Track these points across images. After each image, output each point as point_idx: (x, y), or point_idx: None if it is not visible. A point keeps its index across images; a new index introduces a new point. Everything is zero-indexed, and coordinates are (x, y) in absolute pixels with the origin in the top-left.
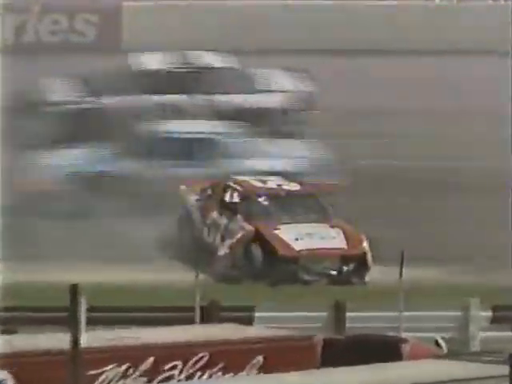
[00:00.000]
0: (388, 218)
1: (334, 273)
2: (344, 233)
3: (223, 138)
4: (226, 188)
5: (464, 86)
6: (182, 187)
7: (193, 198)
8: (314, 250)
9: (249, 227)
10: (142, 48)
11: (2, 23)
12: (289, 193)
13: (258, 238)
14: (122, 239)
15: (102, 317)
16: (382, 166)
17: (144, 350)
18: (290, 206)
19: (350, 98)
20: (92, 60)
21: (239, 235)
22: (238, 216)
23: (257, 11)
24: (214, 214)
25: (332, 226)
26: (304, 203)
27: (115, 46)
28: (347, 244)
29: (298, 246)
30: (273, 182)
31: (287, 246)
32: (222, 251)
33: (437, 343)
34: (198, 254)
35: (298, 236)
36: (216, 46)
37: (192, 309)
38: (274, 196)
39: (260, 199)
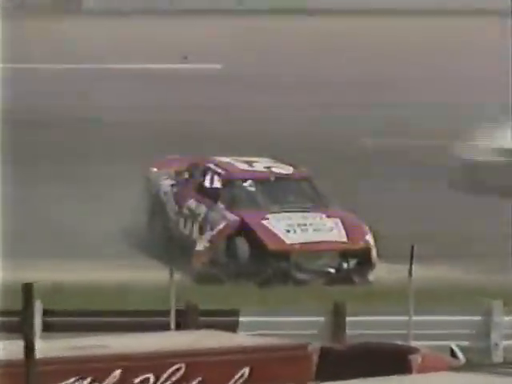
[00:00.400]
0: (394, 207)
1: (333, 270)
2: (343, 223)
3: None
4: (205, 171)
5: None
6: (153, 169)
7: (166, 183)
8: (308, 243)
9: (232, 217)
10: None
11: None
12: (279, 177)
13: (244, 229)
14: (80, 231)
15: (62, 322)
16: (389, 144)
17: (111, 361)
18: (280, 192)
19: None
20: None
21: (221, 226)
22: (220, 204)
23: None
24: (192, 202)
25: (330, 216)
26: (297, 189)
27: None
28: (347, 236)
29: (289, 238)
30: (260, 164)
31: (277, 239)
32: (201, 245)
33: (452, 353)
34: (172, 248)
35: (290, 227)
36: None
37: (166, 313)
38: (262, 180)
39: (245, 184)
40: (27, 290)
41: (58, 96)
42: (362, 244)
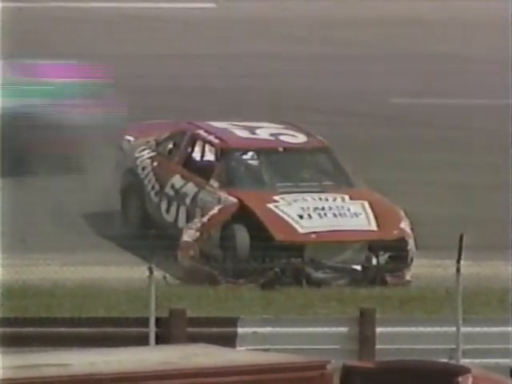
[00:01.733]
0: (432, 185)
1: (359, 267)
2: (372, 207)
3: None
4: (194, 139)
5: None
6: (127, 137)
7: (144, 155)
8: (327, 232)
9: (230, 199)
10: None
11: None
12: (290, 147)
13: (244, 215)
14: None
15: (12, 333)
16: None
17: None
18: (291, 166)
19: None
20: None
21: (215, 211)
22: (213, 182)
23: None
24: (177, 179)
25: (354, 198)
26: (312, 163)
27: None
28: (378, 224)
29: (303, 227)
30: (265, 131)
31: (287, 227)
32: (189, 235)
33: None
34: (152, 239)
35: (304, 212)
36: None
37: (144, 322)
38: (268, 152)
39: (246, 156)
40: None
41: None
42: (395, 233)
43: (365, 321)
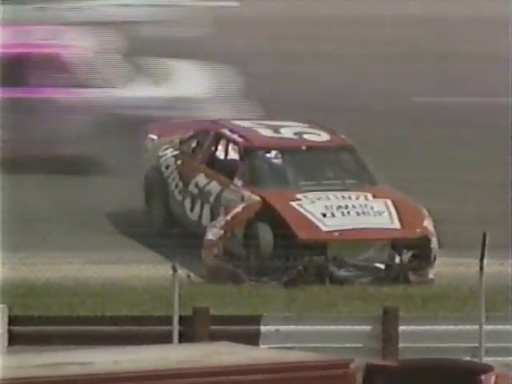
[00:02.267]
0: (456, 184)
1: (382, 266)
2: (396, 206)
3: None
4: (218, 138)
5: None
6: (151, 136)
7: (167, 153)
8: (350, 231)
9: (253, 197)
10: None
11: None
12: (313, 146)
13: (267, 213)
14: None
15: (33, 331)
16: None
17: (95, 383)
18: (314, 165)
19: None
20: None
21: (238, 209)
22: (237, 180)
23: None
24: (201, 178)
25: (378, 196)
26: (336, 161)
27: None
28: (401, 222)
29: (326, 225)
30: (289, 130)
31: (311, 225)
32: (213, 234)
33: None
34: (175, 237)
35: (328, 210)
36: None
37: (168, 320)
38: (292, 150)
39: (270, 155)
40: None
41: None
42: (418, 232)
43: (388, 319)
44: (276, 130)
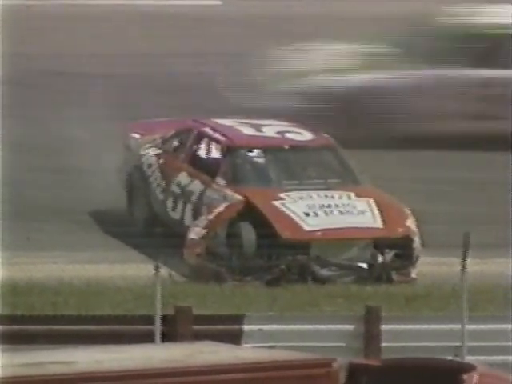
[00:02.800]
0: (436, 184)
1: (364, 265)
2: (378, 205)
3: None
4: (200, 137)
5: None
6: (133, 135)
7: (149, 152)
8: (333, 230)
9: (236, 196)
10: None
11: None
12: (296, 145)
13: (250, 212)
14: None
15: (17, 331)
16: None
17: (79, 382)
18: (297, 164)
19: None
20: None
21: (221, 208)
22: (219, 179)
23: None
24: (183, 177)
25: (361, 195)
26: (319, 160)
27: None
28: (384, 222)
29: (309, 224)
30: (271, 128)
31: (293, 224)
32: (195, 233)
33: None
34: (157, 236)
35: (310, 210)
36: None
37: (150, 319)
38: (274, 149)
39: (252, 154)
40: None
41: None
42: (401, 231)
43: (370, 318)
44: (258, 128)
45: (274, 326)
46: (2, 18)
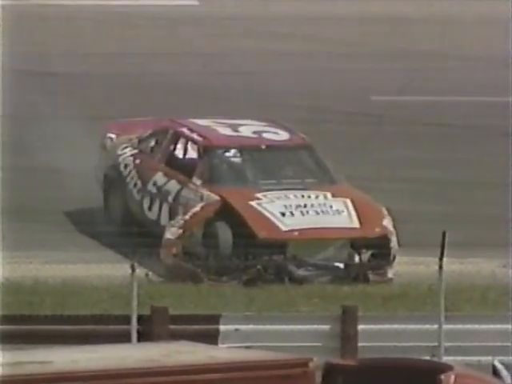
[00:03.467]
0: (415, 181)
1: (341, 265)
2: (355, 204)
3: None
4: (176, 137)
5: None
6: (110, 135)
7: (126, 152)
8: (309, 230)
9: (212, 196)
10: None
11: None
12: (272, 144)
13: (226, 212)
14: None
15: None
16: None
17: (54, 382)
18: (274, 164)
19: None
20: None
21: (197, 208)
22: (196, 179)
23: None
24: (159, 177)
25: (337, 195)
26: (295, 160)
27: None
28: (360, 221)
29: (285, 224)
30: (248, 128)
31: (270, 224)
32: (172, 233)
33: (494, 370)
34: (134, 236)
35: (287, 210)
36: None
37: (126, 319)
38: (251, 149)
39: (229, 154)
40: None
41: None
42: (378, 231)
43: (347, 318)
44: (235, 128)
45: (251, 326)
46: None
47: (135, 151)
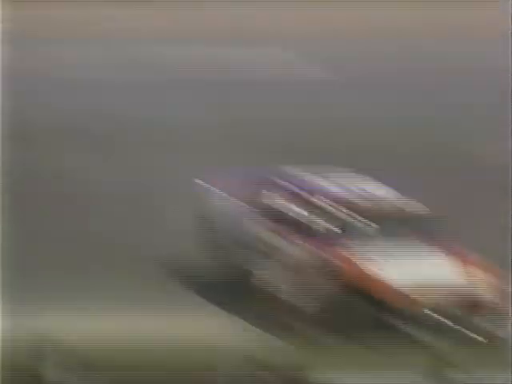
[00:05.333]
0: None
1: (450, 323)
2: (465, 265)
3: None
4: (280, 190)
5: None
6: (209, 186)
7: (227, 205)
8: (425, 289)
9: (317, 252)
10: None
11: None
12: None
13: (335, 269)
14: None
15: None
16: None
17: None
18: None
19: None
20: None
21: (301, 263)
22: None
23: None
24: (264, 232)
25: (446, 254)
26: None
27: None
28: (470, 281)
29: (404, 285)
30: (348, 182)
31: (393, 289)
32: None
33: None
34: (245, 292)
35: (403, 272)
36: None
37: None
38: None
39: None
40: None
41: None
42: (495, 291)
43: None
44: (340, 184)
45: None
46: None
47: (238, 204)
